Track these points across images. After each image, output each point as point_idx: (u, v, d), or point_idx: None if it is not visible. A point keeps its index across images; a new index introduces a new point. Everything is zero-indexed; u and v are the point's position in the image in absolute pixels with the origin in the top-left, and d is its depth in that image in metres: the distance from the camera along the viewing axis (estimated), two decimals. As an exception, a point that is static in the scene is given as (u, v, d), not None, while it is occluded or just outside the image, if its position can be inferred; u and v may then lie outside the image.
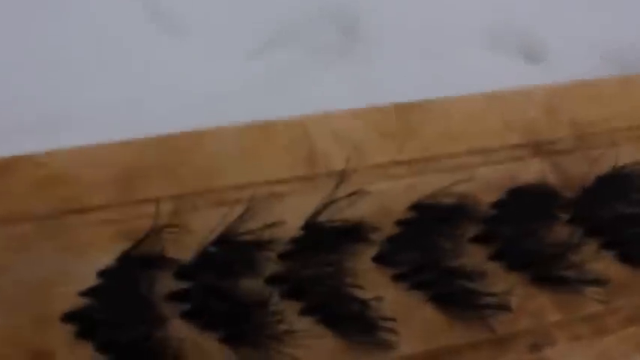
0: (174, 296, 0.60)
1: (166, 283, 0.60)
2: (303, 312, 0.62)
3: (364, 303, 0.62)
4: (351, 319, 0.61)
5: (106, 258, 0.60)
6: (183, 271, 0.61)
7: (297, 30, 0.74)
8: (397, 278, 0.64)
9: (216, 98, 0.70)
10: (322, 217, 0.65)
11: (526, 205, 0.69)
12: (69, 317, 0.58)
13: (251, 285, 0.62)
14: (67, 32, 0.69)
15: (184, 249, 0.61)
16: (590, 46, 0.78)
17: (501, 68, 0.76)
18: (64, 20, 0.70)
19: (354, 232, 0.65)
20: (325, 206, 0.65)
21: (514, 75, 0.75)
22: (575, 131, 0.73)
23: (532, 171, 0.71)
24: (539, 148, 0.72)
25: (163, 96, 0.70)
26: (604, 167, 0.71)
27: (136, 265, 0.60)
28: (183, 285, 0.60)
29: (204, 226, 0.62)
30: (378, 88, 0.73)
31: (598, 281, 0.67)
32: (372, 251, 0.65)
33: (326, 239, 0.64)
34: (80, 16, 0.70)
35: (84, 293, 0.58)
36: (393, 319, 0.62)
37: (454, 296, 0.64)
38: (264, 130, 0.68)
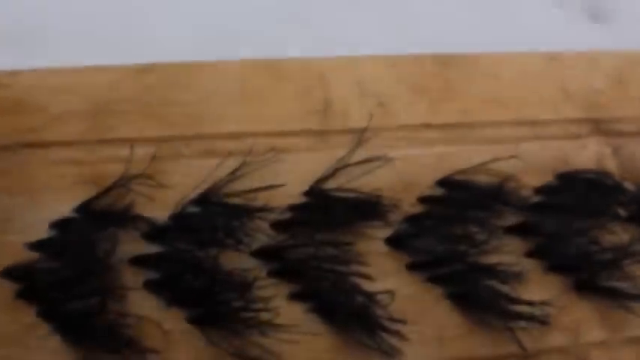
0: (140, 261, 0.52)
1: (133, 245, 0.52)
2: (295, 297, 0.53)
3: (371, 296, 0.53)
4: (352, 315, 0.53)
5: (64, 206, 0.52)
6: (154, 233, 0.53)
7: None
8: (413, 267, 0.55)
9: (218, 27, 0.60)
10: (331, 184, 0.55)
11: (578, 194, 0.59)
12: (10, 273, 0.51)
13: (235, 258, 0.53)
14: None
15: (159, 206, 0.53)
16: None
17: (561, 26, 0.66)
18: None
19: (367, 206, 0.55)
20: (336, 171, 0.56)
21: (575, 36, 0.65)
22: (646, 111, 0.63)
23: (589, 153, 0.61)
24: (600, 126, 0.62)
25: (157, 19, 0.60)
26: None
27: (97, 220, 0.52)
28: (152, 249, 0.52)
29: (187, 179, 0.54)
30: (416, 33, 0.63)
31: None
32: (387, 232, 0.55)
33: (333, 211, 0.55)
34: None
35: (32, 246, 0.51)
36: (403, 321, 0.53)
37: (479, 297, 0.55)
38: (273, 69, 0.58)
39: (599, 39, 0.65)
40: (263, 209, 0.54)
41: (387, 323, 0.53)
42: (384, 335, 0.52)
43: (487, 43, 0.61)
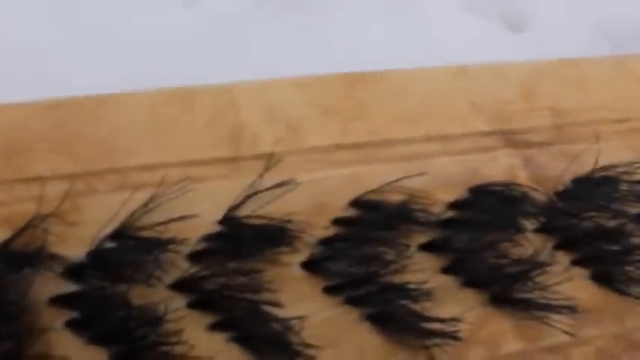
0: (59, 301, 0.51)
1: (53, 284, 0.51)
2: (214, 327, 0.53)
3: (284, 323, 0.53)
4: (267, 343, 0.52)
5: None
6: (71, 271, 0.52)
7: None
8: (329, 291, 0.55)
9: (127, 59, 0.60)
10: (245, 211, 0.55)
11: (489, 208, 0.59)
12: None
13: (153, 292, 0.52)
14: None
15: (76, 243, 0.52)
16: (582, 17, 0.66)
17: (477, 36, 0.66)
18: None
19: (278, 233, 0.55)
20: (247, 197, 0.55)
21: (491, 45, 0.64)
22: (555, 120, 0.62)
23: (500, 165, 0.61)
24: (509, 138, 0.62)
25: (66, 50, 0.59)
26: (584, 166, 0.62)
27: (13, 261, 0.51)
28: (72, 288, 0.51)
29: (103, 213, 0.53)
30: (326, 53, 0.63)
31: (566, 307, 0.57)
32: (302, 256, 0.55)
33: (244, 239, 0.54)
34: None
35: None
36: (316, 347, 0.52)
37: (395, 317, 0.54)
38: (182, 97, 0.57)
39: (515, 48, 0.65)
40: (175, 241, 0.53)
41: (301, 349, 0.52)
42: (300, 360, 0.53)
43: (400, 58, 0.61)
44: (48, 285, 0.51)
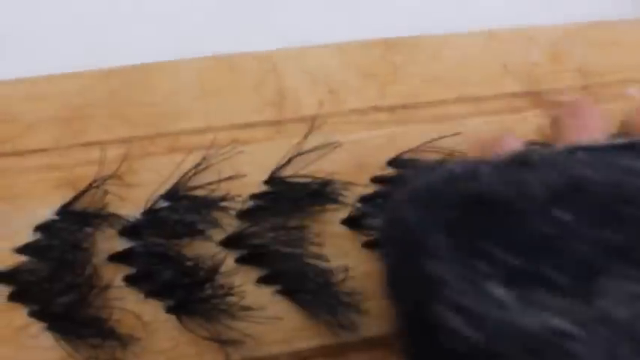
0: (118, 258, 0.55)
1: (110, 242, 0.56)
2: (262, 281, 0.56)
3: (328, 274, 0.56)
4: (313, 294, 0.56)
5: (45, 210, 0.55)
6: (128, 230, 0.56)
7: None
8: (369, 245, 0.58)
9: (176, 27, 0.62)
10: (289, 171, 0.58)
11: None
12: (2, 277, 0.54)
13: (204, 248, 0.56)
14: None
15: (132, 202, 0.56)
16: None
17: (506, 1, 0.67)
18: None
19: (323, 190, 0.58)
20: (292, 158, 0.58)
21: (521, 9, 0.66)
22: (582, 81, 0.65)
23: (530, 125, 0.63)
24: (539, 99, 0.64)
25: (117, 23, 0.62)
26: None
27: (76, 221, 0.55)
28: (128, 245, 0.55)
29: (156, 175, 0.57)
30: (363, 19, 0.65)
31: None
32: (343, 212, 0.58)
33: (290, 197, 0.58)
34: None
35: (19, 250, 0.54)
36: (359, 296, 0.56)
37: None
38: (229, 64, 0.60)
39: (544, 12, 0.67)
40: (227, 199, 0.56)
41: (344, 298, 0.56)
42: (344, 310, 0.56)
43: (433, 24, 0.63)
44: (107, 243, 0.55)
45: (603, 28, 0.66)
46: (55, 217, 0.55)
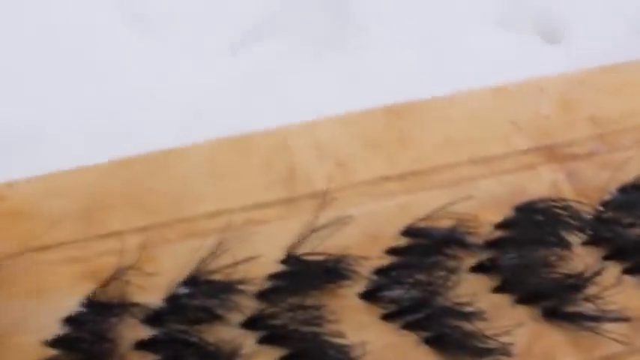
0: (142, 345, 0.56)
1: (134, 330, 0.56)
2: None
3: (348, 351, 0.56)
4: None
5: (70, 302, 0.56)
6: (151, 318, 0.57)
7: (282, 20, 0.65)
8: (387, 318, 0.58)
9: (185, 112, 0.63)
10: (304, 248, 0.59)
11: (535, 225, 0.61)
12: None
13: (225, 331, 0.57)
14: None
15: (153, 290, 0.57)
16: (617, 21, 0.66)
17: (514, 51, 0.66)
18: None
19: (338, 266, 0.58)
20: (305, 236, 0.59)
21: (529, 59, 0.65)
22: (596, 130, 0.63)
23: (544, 181, 0.62)
24: (551, 153, 0.63)
25: (130, 115, 0.64)
26: (630, 175, 0.62)
27: (102, 312, 0.57)
28: (151, 332, 0.56)
29: (175, 261, 0.58)
30: (370, 84, 0.65)
31: (619, 317, 0.59)
32: (359, 286, 0.59)
33: (307, 276, 0.58)
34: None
35: (50, 344, 0.55)
36: None
37: (451, 338, 0.57)
38: (239, 144, 0.62)
39: (552, 60, 0.65)
40: (243, 282, 0.57)
41: None
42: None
43: (439, 82, 0.63)
44: (131, 331, 0.56)
45: (614, 71, 0.64)
46: (81, 310, 0.56)
